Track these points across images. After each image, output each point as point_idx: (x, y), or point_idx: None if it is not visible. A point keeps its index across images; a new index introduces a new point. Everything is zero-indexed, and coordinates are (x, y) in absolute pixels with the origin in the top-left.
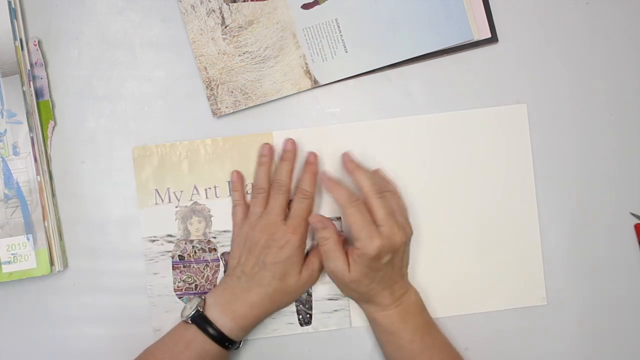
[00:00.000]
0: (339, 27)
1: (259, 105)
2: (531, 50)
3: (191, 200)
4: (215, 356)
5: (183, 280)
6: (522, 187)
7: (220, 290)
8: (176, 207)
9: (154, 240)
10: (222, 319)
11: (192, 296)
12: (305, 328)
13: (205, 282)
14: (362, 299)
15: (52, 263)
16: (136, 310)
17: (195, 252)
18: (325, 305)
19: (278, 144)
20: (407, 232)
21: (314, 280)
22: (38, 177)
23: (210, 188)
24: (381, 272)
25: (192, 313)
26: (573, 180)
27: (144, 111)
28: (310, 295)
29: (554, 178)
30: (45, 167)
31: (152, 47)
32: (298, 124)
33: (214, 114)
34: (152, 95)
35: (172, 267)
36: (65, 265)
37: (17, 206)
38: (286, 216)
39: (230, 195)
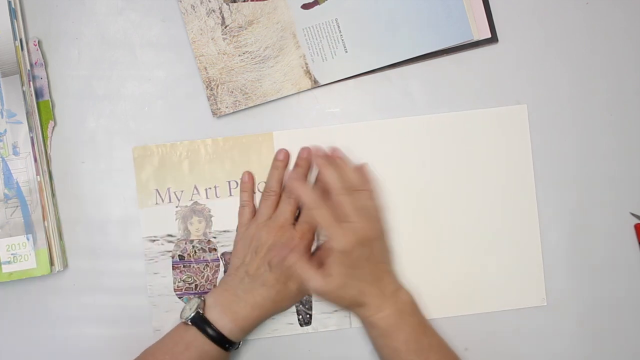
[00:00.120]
0: (339, 27)
1: (259, 105)
2: (531, 50)
3: (191, 200)
4: (215, 357)
5: (183, 280)
6: (522, 188)
7: (221, 291)
8: (176, 207)
9: (154, 240)
10: (222, 320)
11: (191, 296)
12: (305, 328)
13: (205, 282)
14: (355, 303)
15: (52, 263)
16: (136, 310)
17: (195, 252)
18: (325, 306)
19: (278, 144)
20: (377, 227)
21: None
22: (38, 177)
23: (210, 188)
24: (360, 269)
25: (192, 315)
26: (573, 180)
27: (144, 111)
28: (310, 295)
29: (554, 178)
30: (45, 167)
31: (152, 47)
32: (298, 124)
33: (214, 114)
34: (152, 95)
35: (172, 267)
36: (65, 265)
37: (17, 206)
38: (295, 221)
39: (230, 195)
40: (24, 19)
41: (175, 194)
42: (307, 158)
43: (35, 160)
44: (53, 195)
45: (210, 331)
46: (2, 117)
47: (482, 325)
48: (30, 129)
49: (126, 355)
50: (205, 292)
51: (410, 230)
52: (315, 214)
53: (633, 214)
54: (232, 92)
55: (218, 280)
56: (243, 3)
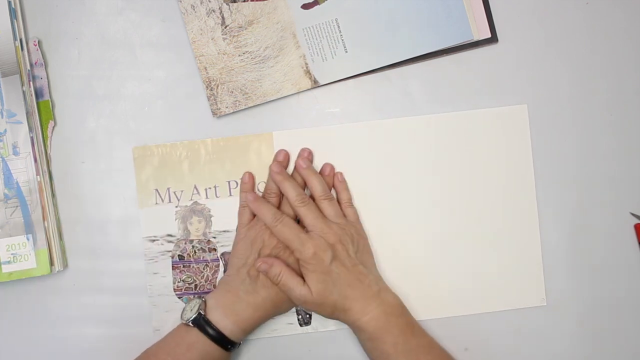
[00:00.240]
0: (339, 27)
1: (259, 105)
2: (531, 50)
3: (191, 200)
4: (217, 357)
5: (183, 280)
6: (523, 187)
7: (222, 292)
8: (176, 207)
9: (154, 240)
10: (224, 321)
11: (191, 297)
12: (305, 328)
13: (205, 282)
14: (339, 309)
15: (52, 263)
16: (136, 310)
17: (195, 252)
18: None
19: (278, 144)
20: (344, 230)
21: None
22: (38, 177)
23: (210, 188)
24: (335, 273)
25: (194, 316)
26: (573, 180)
27: (144, 111)
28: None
29: (554, 178)
30: (45, 167)
31: (152, 47)
32: (298, 124)
33: (214, 114)
34: (152, 95)
35: (172, 267)
36: (65, 265)
37: (17, 206)
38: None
39: (230, 195)
40: (24, 19)
41: (175, 194)
42: (308, 158)
43: (35, 160)
44: (53, 195)
45: (212, 332)
46: (2, 117)
47: (482, 325)
48: (30, 129)
49: (126, 355)
50: (205, 292)
51: (410, 230)
52: (276, 232)
53: (633, 214)
54: (232, 92)
55: (218, 280)
56: (243, 3)
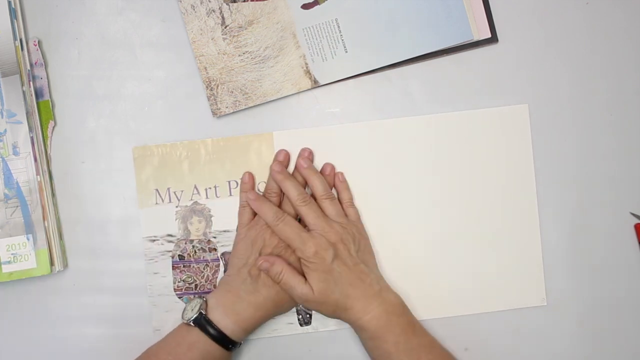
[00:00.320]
0: (339, 27)
1: (259, 105)
2: (531, 50)
3: (191, 200)
4: (218, 357)
5: (183, 280)
6: (523, 187)
7: (223, 292)
8: (176, 207)
9: (154, 240)
10: (225, 321)
11: (192, 296)
12: (305, 328)
13: (205, 281)
14: (340, 308)
15: (52, 263)
16: (136, 310)
17: (195, 251)
18: None
19: (278, 144)
20: (346, 229)
21: None
22: (38, 177)
23: (210, 188)
24: (336, 272)
25: (195, 316)
26: (573, 180)
27: (144, 111)
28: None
29: (554, 178)
30: (45, 167)
31: (152, 47)
32: (298, 124)
33: (214, 114)
34: (152, 95)
35: (172, 266)
36: (65, 265)
37: (17, 206)
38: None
39: (230, 195)
40: (24, 19)
41: (175, 194)
42: (308, 157)
43: (35, 160)
44: (53, 195)
45: (213, 332)
46: (2, 117)
47: (482, 325)
48: (30, 129)
49: (126, 355)
50: (205, 292)
51: (410, 230)
52: (278, 231)
53: (633, 214)
54: (232, 92)
55: (218, 280)
56: (243, 3)
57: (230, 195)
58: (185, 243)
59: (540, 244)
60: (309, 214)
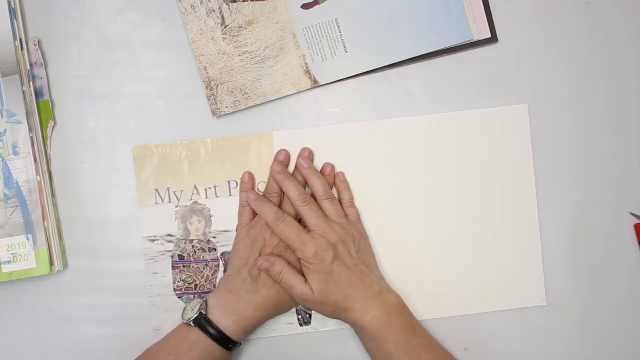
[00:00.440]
0: (339, 27)
1: (259, 105)
2: (531, 50)
3: (191, 200)
4: (218, 357)
5: (183, 280)
6: (523, 187)
7: (223, 292)
8: (176, 207)
9: (154, 240)
10: (225, 321)
11: (191, 297)
12: (305, 328)
13: (205, 281)
14: (341, 308)
15: (52, 263)
16: (136, 310)
17: (195, 251)
18: None
19: (278, 144)
20: (346, 230)
21: None
22: (38, 177)
23: (210, 188)
24: (337, 273)
25: (195, 316)
26: (573, 180)
27: (144, 111)
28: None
29: (554, 178)
30: (45, 167)
31: (152, 47)
32: (298, 124)
33: (214, 114)
34: (152, 95)
35: (172, 266)
36: (65, 265)
37: (17, 206)
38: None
39: (230, 195)
40: (24, 19)
41: (175, 194)
42: (309, 157)
43: (35, 160)
44: (53, 195)
45: (213, 332)
46: (2, 117)
47: (482, 325)
48: (30, 129)
49: (126, 355)
50: (205, 292)
51: (410, 230)
52: (278, 231)
53: (633, 214)
54: (232, 92)
55: (218, 280)
56: (243, 3)
57: (230, 195)
58: (185, 243)
59: (540, 244)
60: (310, 214)
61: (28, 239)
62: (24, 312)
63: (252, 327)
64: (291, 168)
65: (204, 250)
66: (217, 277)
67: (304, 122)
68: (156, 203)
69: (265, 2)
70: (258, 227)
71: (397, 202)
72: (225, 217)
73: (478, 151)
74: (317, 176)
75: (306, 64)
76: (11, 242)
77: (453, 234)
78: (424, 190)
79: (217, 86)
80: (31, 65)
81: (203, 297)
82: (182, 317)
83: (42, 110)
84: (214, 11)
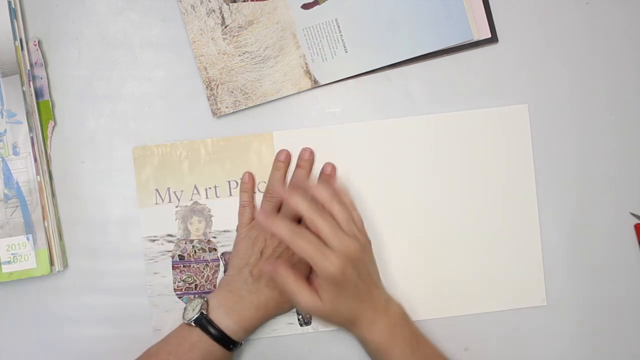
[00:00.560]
0: (339, 27)
1: (259, 105)
2: (531, 50)
3: (191, 200)
4: (219, 357)
5: (183, 280)
6: (523, 187)
7: (224, 292)
8: (176, 206)
9: (154, 240)
10: (226, 321)
11: (192, 296)
12: (305, 328)
13: (205, 281)
14: (348, 322)
15: (52, 263)
16: (136, 310)
17: (195, 251)
18: None
19: (278, 144)
20: (360, 240)
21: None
22: (38, 177)
23: (210, 188)
24: (351, 288)
25: (196, 316)
26: (573, 180)
27: (144, 111)
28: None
29: (554, 178)
30: (45, 167)
31: (152, 47)
32: (298, 124)
33: (214, 114)
34: (152, 95)
35: (172, 266)
36: (65, 265)
37: (17, 206)
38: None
39: (230, 195)
40: (24, 19)
41: (175, 194)
42: (309, 159)
43: (35, 160)
44: (53, 195)
45: (214, 332)
46: (2, 117)
47: (482, 325)
48: (30, 129)
49: (126, 355)
50: (206, 292)
51: (410, 230)
52: (294, 246)
53: (633, 214)
54: (232, 92)
55: (218, 280)
56: (243, 3)
57: (230, 195)
58: (185, 243)
59: (540, 244)
60: (324, 228)
61: (28, 239)
62: (24, 312)
63: (253, 327)
64: (291, 169)
65: (204, 250)
66: (217, 277)
67: (304, 122)
68: (156, 203)
69: (265, 2)
70: (258, 227)
71: (397, 202)
72: (225, 217)
73: (478, 151)
74: (319, 184)
75: (306, 64)
76: (11, 242)
77: (453, 233)
78: (424, 190)
79: (217, 86)
80: (31, 65)
81: (204, 297)
82: (183, 317)
83: (42, 110)
84: (214, 11)
